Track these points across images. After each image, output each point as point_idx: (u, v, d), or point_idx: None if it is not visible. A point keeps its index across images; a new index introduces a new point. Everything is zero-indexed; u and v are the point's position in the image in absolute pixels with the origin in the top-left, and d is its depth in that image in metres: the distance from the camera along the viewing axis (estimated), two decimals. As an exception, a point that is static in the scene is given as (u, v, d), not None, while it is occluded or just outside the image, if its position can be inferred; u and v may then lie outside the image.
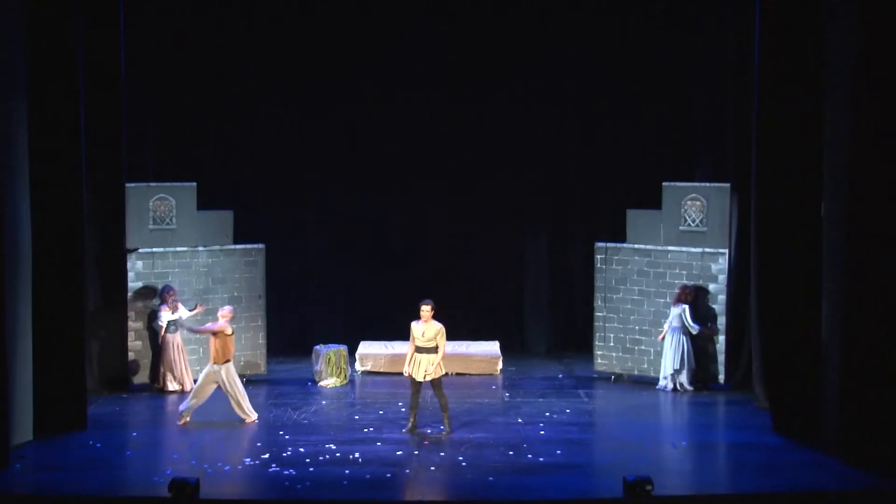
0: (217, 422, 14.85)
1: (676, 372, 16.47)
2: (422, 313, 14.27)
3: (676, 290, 16.56)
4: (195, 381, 15.43)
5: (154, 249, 16.81)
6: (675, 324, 16.46)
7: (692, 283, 16.64)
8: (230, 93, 18.82)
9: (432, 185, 19.37)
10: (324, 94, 19.11)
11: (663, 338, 16.60)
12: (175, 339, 16.51)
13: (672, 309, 16.53)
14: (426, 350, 14.23)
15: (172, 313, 16.47)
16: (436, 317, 14.28)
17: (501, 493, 12.10)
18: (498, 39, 19.00)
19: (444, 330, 14.29)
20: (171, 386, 16.46)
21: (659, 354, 16.92)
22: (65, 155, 14.24)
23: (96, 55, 15.34)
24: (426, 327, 14.26)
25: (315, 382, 17.08)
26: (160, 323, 16.48)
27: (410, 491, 12.20)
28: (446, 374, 14.68)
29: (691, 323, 16.35)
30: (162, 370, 16.54)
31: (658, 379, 16.75)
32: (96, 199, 15.85)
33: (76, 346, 14.39)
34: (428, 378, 14.21)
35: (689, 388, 16.44)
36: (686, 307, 16.38)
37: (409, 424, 14.39)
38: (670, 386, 16.49)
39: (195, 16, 18.57)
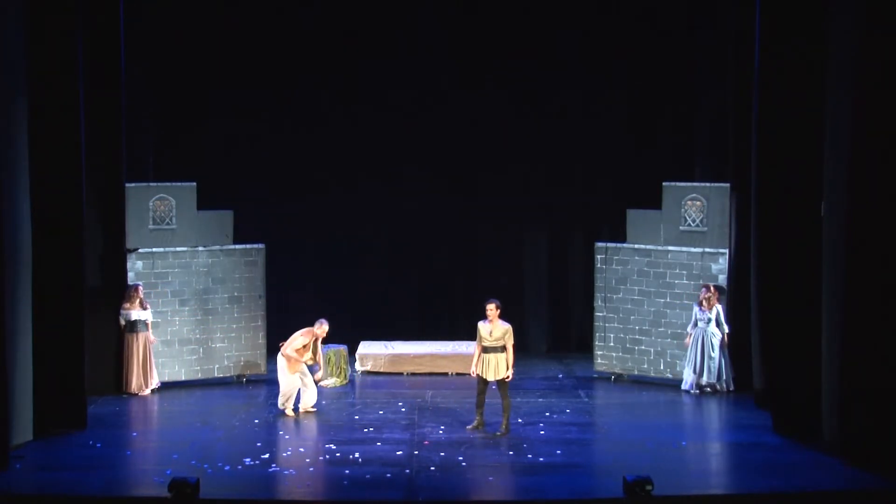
0: (217, 422, 14.87)
1: (700, 373, 16.42)
2: (487, 312, 14.23)
3: (710, 294, 16.33)
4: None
5: (154, 249, 16.80)
6: (704, 325, 16.35)
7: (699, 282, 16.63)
8: (230, 92, 18.82)
9: (432, 185, 19.37)
10: (324, 93, 19.12)
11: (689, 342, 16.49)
12: (137, 339, 16.26)
13: (703, 312, 16.36)
14: (494, 350, 14.21)
15: (135, 311, 16.19)
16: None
17: (501, 493, 12.09)
18: (498, 40, 19.01)
19: (511, 330, 14.27)
20: (127, 387, 16.22)
21: (659, 354, 16.93)
22: (65, 155, 14.23)
23: (96, 55, 15.34)
24: (493, 327, 14.23)
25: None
26: (121, 322, 16.27)
27: (410, 491, 12.19)
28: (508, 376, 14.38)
29: (724, 323, 16.36)
30: (123, 371, 16.29)
31: (661, 379, 16.82)
32: (96, 199, 15.85)
33: (76, 346, 14.37)
34: (498, 378, 14.20)
35: (717, 389, 16.43)
36: (720, 308, 16.38)
37: (476, 422, 14.40)
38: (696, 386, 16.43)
39: (195, 15, 18.57)
